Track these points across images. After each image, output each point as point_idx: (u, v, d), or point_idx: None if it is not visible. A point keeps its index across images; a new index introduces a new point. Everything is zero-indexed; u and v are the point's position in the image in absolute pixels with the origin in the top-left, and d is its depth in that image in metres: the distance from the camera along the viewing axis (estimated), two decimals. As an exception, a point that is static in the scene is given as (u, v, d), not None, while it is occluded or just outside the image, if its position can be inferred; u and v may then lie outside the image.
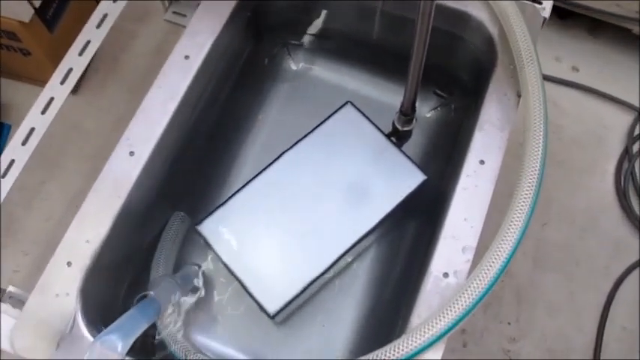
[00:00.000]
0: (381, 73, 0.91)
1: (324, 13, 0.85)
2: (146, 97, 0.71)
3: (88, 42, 0.82)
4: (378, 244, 0.81)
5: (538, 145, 0.61)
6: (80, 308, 0.61)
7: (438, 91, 0.89)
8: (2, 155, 0.72)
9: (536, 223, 1.16)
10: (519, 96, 0.70)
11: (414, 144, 0.85)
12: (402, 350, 0.55)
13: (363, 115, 0.82)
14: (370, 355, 0.56)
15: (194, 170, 0.83)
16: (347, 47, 0.90)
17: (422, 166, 0.79)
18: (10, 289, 0.64)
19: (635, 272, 1.13)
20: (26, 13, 1.05)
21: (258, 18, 0.86)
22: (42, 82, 0.79)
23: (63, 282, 0.62)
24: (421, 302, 0.61)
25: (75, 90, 1.21)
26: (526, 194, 0.59)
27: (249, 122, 0.88)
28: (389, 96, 0.89)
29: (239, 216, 0.77)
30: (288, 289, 0.73)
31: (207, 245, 0.76)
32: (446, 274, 0.62)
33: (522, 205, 0.59)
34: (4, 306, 0.62)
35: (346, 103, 0.83)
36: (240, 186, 0.79)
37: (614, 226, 1.17)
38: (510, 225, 0.58)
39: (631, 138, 1.24)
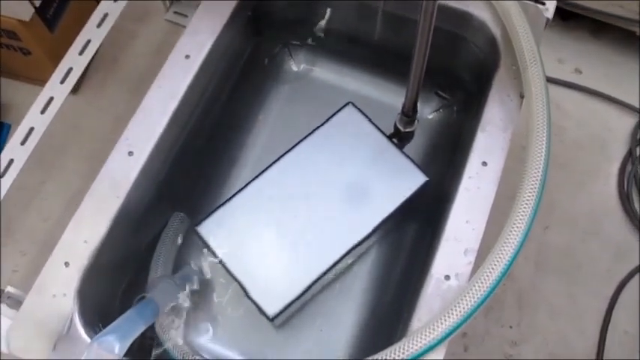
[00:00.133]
0: (382, 73, 0.90)
1: (328, 11, 0.84)
2: (146, 96, 0.71)
3: (89, 41, 0.82)
4: (379, 246, 0.81)
5: (541, 147, 0.61)
6: (77, 309, 0.61)
7: (440, 92, 0.88)
8: (1, 155, 0.72)
9: (539, 226, 1.16)
10: (522, 97, 0.69)
11: (415, 145, 0.85)
12: (403, 353, 0.55)
13: (365, 115, 0.82)
14: (370, 358, 0.55)
15: (194, 171, 0.82)
16: (348, 48, 0.90)
17: (423, 168, 0.78)
18: (9, 289, 0.64)
19: (638, 276, 1.12)
20: (26, 12, 1.04)
21: (259, 18, 0.85)
22: (42, 81, 0.78)
23: (60, 282, 0.62)
24: (422, 305, 0.60)
25: (75, 90, 1.21)
26: (529, 197, 0.59)
27: (250, 122, 0.88)
28: (390, 97, 0.88)
29: (239, 217, 0.77)
30: (287, 292, 0.73)
31: (207, 246, 0.75)
32: (447, 277, 0.61)
33: (525, 208, 0.58)
34: (2, 307, 0.62)
35: (347, 103, 0.83)
36: (240, 187, 0.78)
37: (616, 230, 1.16)
38: (513, 228, 0.57)
39: (634, 141, 1.23)
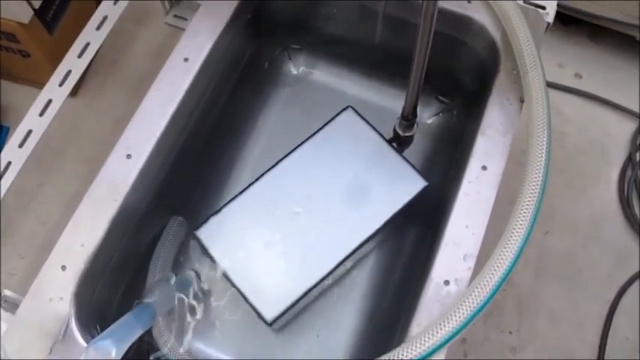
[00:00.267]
0: (382, 77, 0.90)
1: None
2: (144, 99, 0.70)
3: (88, 44, 0.82)
4: (378, 251, 0.80)
5: (541, 151, 0.60)
6: (74, 313, 0.61)
7: (440, 97, 0.88)
8: (-1, 157, 0.72)
9: (539, 231, 1.15)
10: (522, 101, 0.69)
11: (415, 149, 0.84)
12: (401, 359, 0.54)
13: (364, 119, 0.81)
14: (369, 364, 0.55)
15: (192, 174, 0.82)
16: (348, 51, 0.89)
17: (423, 172, 0.78)
18: (6, 292, 0.64)
19: (639, 281, 1.12)
20: (25, 14, 1.04)
21: (259, 20, 0.85)
22: (41, 84, 0.78)
23: (57, 286, 0.61)
24: (421, 310, 0.60)
25: (74, 92, 1.21)
26: (529, 201, 0.58)
27: (249, 126, 0.88)
28: (390, 101, 0.88)
29: (238, 221, 0.77)
30: (286, 296, 0.72)
31: (205, 251, 0.75)
32: (447, 282, 0.61)
33: (525, 213, 0.58)
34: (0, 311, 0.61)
35: (347, 107, 0.82)
36: (239, 191, 0.78)
37: (617, 235, 1.16)
38: (513, 233, 0.57)
39: (634, 145, 1.23)
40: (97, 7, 0.83)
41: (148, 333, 0.66)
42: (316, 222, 0.76)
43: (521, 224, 0.57)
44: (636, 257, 1.14)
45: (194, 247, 0.77)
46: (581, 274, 1.13)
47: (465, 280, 0.61)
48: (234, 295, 0.75)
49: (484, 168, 0.66)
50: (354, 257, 0.77)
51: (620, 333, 1.08)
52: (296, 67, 0.92)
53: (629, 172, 1.21)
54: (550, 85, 1.25)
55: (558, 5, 0.76)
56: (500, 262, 0.56)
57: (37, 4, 1.06)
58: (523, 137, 0.64)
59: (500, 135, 0.67)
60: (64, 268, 0.62)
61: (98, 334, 0.60)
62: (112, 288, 0.71)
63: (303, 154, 0.80)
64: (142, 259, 0.73)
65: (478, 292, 0.55)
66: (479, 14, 0.75)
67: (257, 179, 0.78)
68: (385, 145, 0.80)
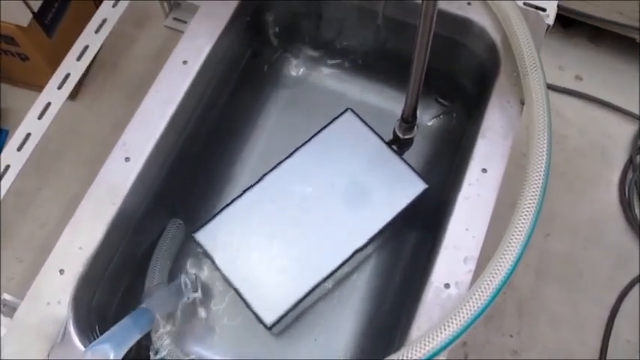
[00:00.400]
0: (382, 79, 0.90)
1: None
2: (143, 102, 0.70)
3: (87, 47, 0.82)
4: (378, 254, 0.80)
5: (542, 154, 0.60)
6: (72, 316, 0.60)
7: (440, 99, 0.88)
8: (-2, 160, 0.72)
9: (539, 234, 1.15)
10: (523, 104, 0.69)
11: (415, 152, 0.84)
12: (402, 363, 0.54)
13: (364, 122, 0.81)
14: (369, 368, 0.55)
15: (191, 177, 0.82)
16: (347, 53, 0.89)
17: (423, 175, 0.77)
18: (5, 296, 0.63)
19: None
20: (24, 17, 1.04)
21: (258, 23, 0.85)
22: (40, 87, 0.78)
23: (55, 290, 0.61)
24: (421, 314, 0.59)
25: (73, 95, 1.21)
26: (529, 204, 0.58)
27: (248, 128, 0.88)
28: (390, 103, 0.88)
29: (237, 224, 0.76)
30: (285, 299, 0.72)
31: (204, 254, 0.75)
32: (447, 285, 0.60)
33: (525, 216, 0.57)
34: None
35: (346, 110, 0.82)
36: (239, 194, 0.78)
37: (618, 238, 1.16)
38: (513, 235, 0.57)
39: (635, 148, 1.23)
40: (96, 9, 0.83)
41: (147, 337, 0.66)
42: (316, 225, 0.76)
43: (521, 227, 0.57)
44: (637, 260, 1.13)
45: (193, 250, 0.77)
46: (582, 276, 1.12)
47: (465, 283, 0.60)
48: (234, 299, 0.74)
49: (484, 170, 0.66)
50: (354, 260, 0.76)
51: (621, 336, 1.08)
52: (295, 70, 0.91)
53: (629, 175, 1.21)
54: (550, 87, 1.25)
55: (558, 7, 0.75)
56: (500, 265, 0.56)
57: (36, 7, 1.06)
58: (523, 140, 0.64)
59: (501, 137, 0.67)
60: (62, 271, 0.61)
61: (96, 337, 0.60)
62: (111, 291, 0.71)
63: (302, 157, 0.79)
64: (140, 262, 0.73)
65: (479, 295, 0.55)
66: (479, 16, 0.75)
67: (256, 182, 0.78)
68: (385, 147, 0.80)
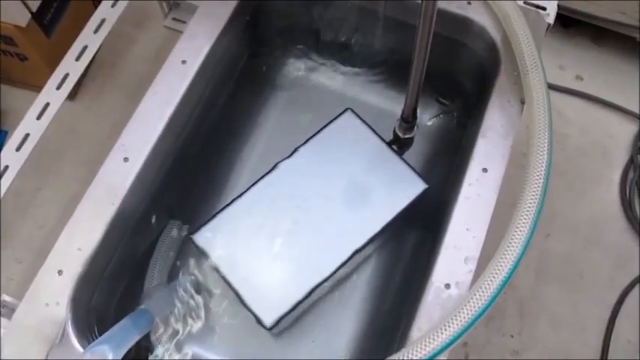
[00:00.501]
0: (382, 79, 0.90)
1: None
2: (141, 102, 0.70)
3: (85, 47, 0.81)
4: (378, 254, 0.80)
5: (542, 153, 0.60)
6: (70, 318, 0.60)
7: (440, 98, 0.88)
8: (-3, 161, 0.71)
9: (540, 234, 1.15)
10: (523, 103, 0.68)
11: (415, 152, 0.84)
12: (402, 364, 0.53)
13: (364, 122, 0.81)
14: (369, 369, 0.54)
15: (190, 177, 0.81)
16: (347, 52, 0.89)
17: (423, 175, 0.77)
18: (4, 297, 0.63)
19: (640, 284, 1.11)
20: (23, 17, 1.04)
21: (257, 22, 0.85)
22: (39, 87, 0.78)
23: (53, 291, 0.61)
24: (422, 314, 0.59)
25: (72, 96, 1.21)
26: (530, 204, 0.58)
27: (248, 128, 0.87)
28: (390, 103, 0.88)
29: (236, 225, 0.76)
30: (285, 300, 0.72)
31: (203, 255, 0.75)
32: (447, 285, 0.60)
33: (526, 216, 0.57)
34: (-2, 316, 0.61)
35: (346, 109, 0.82)
36: (238, 194, 0.77)
37: (619, 237, 1.16)
38: (514, 235, 0.56)
39: (636, 147, 1.23)
40: (94, 10, 0.83)
41: (146, 337, 0.66)
42: (315, 225, 0.76)
43: (522, 227, 0.57)
44: (638, 260, 1.13)
45: (192, 251, 0.77)
46: (583, 276, 1.12)
47: (465, 283, 0.60)
48: (233, 300, 0.74)
49: (485, 170, 0.65)
50: (354, 261, 0.76)
51: (622, 336, 1.07)
52: (295, 70, 0.91)
53: (630, 174, 1.21)
54: (551, 86, 1.25)
55: (559, 7, 0.75)
56: (501, 266, 0.55)
57: (34, 8, 1.06)
58: (524, 139, 0.64)
59: (501, 137, 0.67)
60: (60, 272, 0.61)
61: (95, 338, 0.59)
62: (110, 292, 0.70)
63: (302, 157, 0.79)
64: (139, 263, 0.73)
65: (479, 295, 0.55)
66: (479, 15, 0.74)
67: (256, 182, 0.78)
68: (385, 147, 0.79)
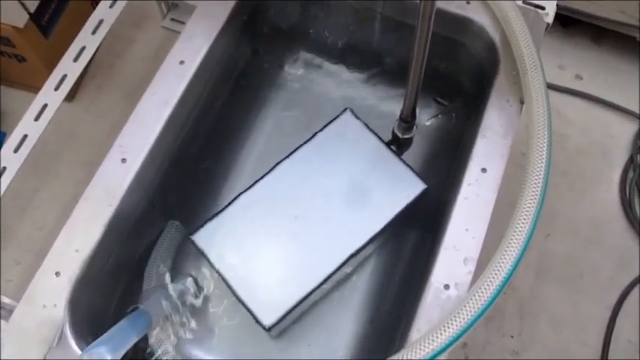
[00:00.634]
0: (380, 79, 0.89)
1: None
2: (139, 103, 0.70)
3: (84, 48, 0.81)
4: (378, 255, 0.80)
5: (542, 153, 0.59)
6: (68, 320, 0.60)
7: (439, 98, 0.87)
8: (-6, 163, 0.71)
9: (540, 234, 1.15)
10: (522, 103, 0.68)
11: (414, 152, 0.84)
12: (401, 365, 0.53)
13: (362, 122, 0.81)
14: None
15: (189, 178, 0.81)
16: (346, 53, 0.89)
17: (422, 175, 0.77)
18: (3, 299, 0.63)
19: (641, 284, 1.11)
20: (21, 18, 1.04)
21: (256, 22, 0.85)
22: (38, 88, 0.78)
23: (51, 292, 0.60)
24: (421, 315, 0.59)
25: (71, 96, 1.21)
26: (530, 204, 0.58)
27: (246, 129, 0.87)
28: (389, 103, 0.87)
29: (235, 226, 0.76)
30: (284, 301, 0.71)
31: (202, 255, 0.74)
32: (447, 286, 0.60)
33: (526, 216, 0.57)
34: (-3, 318, 0.61)
35: (345, 109, 0.82)
36: (237, 195, 0.77)
37: (619, 237, 1.15)
38: (513, 236, 0.56)
39: (636, 147, 1.22)
40: (93, 10, 0.82)
41: (144, 339, 0.65)
42: (315, 226, 0.75)
43: (522, 227, 0.56)
44: (638, 260, 1.13)
45: (191, 251, 0.76)
46: (583, 277, 1.12)
47: (465, 284, 0.60)
48: (232, 301, 0.74)
49: (484, 170, 0.65)
50: (354, 261, 0.76)
51: (622, 336, 1.07)
52: (294, 70, 0.91)
53: (630, 174, 1.20)
54: (550, 86, 1.25)
55: (558, 6, 0.75)
56: (500, 266, 0.55)
57: (32, 8, 1.05)
58: (523, 139, 0.64)
59: (500, 137, 0.67)
60: (58, 274, 0.61)
61: (93, 340, 0.59)
62: (108, 294, 0.70)
63: (301, 157, 0.79)
64: (138, 265, 0.73)
65: (479, 296, 0.54)
66: (478, 15, 0.74)
67: (255, 183, 0.77)
68: (384, 147, 0.79)
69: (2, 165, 0.72)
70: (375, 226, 0.75)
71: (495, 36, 0.73)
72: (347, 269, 0.78)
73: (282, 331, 0.75)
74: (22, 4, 1.03)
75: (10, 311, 0.61)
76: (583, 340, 1.07)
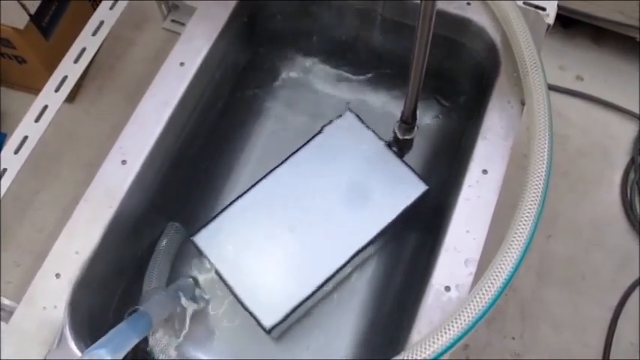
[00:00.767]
0: (381, 80, 0.89)
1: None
2: (139, 104, 0.70)
3: (84, 49, 0.81)
4: (378, 256, 0.79)
5: (543, 154, 0.59)
6: (68, 321, 0.60)
7: (440, 99, 0.87)
8: (-5, 164, 0.71)
9: (541, 236, 1.14)
10: (523, 104, 0.68)
11: (415, 153, 0.84)
12: (402, 367, 0.53)
13: (363, 123, 0.81)
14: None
15: (189, 179, 0.81)
16: (346, 53, 0.89)
17: (423, 176, 0.77)
18: (3, 301, 0.63)
19: (642, 286, 1.11)
20: (21, 19, 1.04)
21: (256, 24, 0.85)
22: (38, 90, 0.78)
23: (51, 294, 0.60)
24: (422, 317, 0.59)
25: (71, 98, 1.21)
26: (531, 205, 0.57)
27: (247, 130, 0.87)
28: (390, 104, 0.87)
29: (236, 227, 0.76)
30: (285, 303, 0.71)
31: (203, 257, 0.74)
32: (448, 288, 0.60)
33: (527, 217, 0.57)
34: (-4, 320, 0.61)
35: (346, 110, 0.81)
36: (237, 196, 0.77)
37: (620, 239, 1.15)
38: (514, 237, 0.56)
39: (637, 148, 1.22)
40: (93, 12, 0.82)
41: (145, 340, 0.65)
42: (315, 227, 0.75)
43: (523, 229, 0.56)
44: (639, 261, 1.13)
45: (191, 253, 0.76)
46: (584, 278, 1.12)
47: (466, 285, 0.60)
48: (233, 302, 0.74)
49: (485, 172, 0.65)
50: (354, 263, 0.75)
51: (624, 338, 1.07)
52: (294, 71, 0.91)
53: (631, 175, 1.20)
54: (551, 87, 1.25)
55: (559, 7, 0.75)
56: (502, 268, 0.55)
57: (32, 10, 1.05)
58: (524, 140, 0.64)
59: (501, 138, 0.67)
60: (58, 275, 0.61)
61: (93, 342, 0.59)
62: (108, 295, 0.70)
63: (301, 158, 0.79)
64: (138, 266, 0.72)
65: (480, 298, 0.54)
66: (478, 16, 0.74)
67: (255, 184, 0.77)
68: (385, 148, 0.79)
69: (2, 166, 0.72)
70: (376, 227, 0.74)
71: (496, 37, 0.73)
72: (348, 270, 0.77)
73: (283, 332, 0.75)
74: (23, 6, 1.03)
75: (10, 313, 0.61)
76: (584, 342, 1.07)
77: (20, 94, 1.24)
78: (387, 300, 0.77)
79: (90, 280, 0.63)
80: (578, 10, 1.22)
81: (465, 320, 0.54)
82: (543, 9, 0.74)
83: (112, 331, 0.59)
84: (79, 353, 0.58)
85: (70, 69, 0.80)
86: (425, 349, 0.53)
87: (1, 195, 0.70)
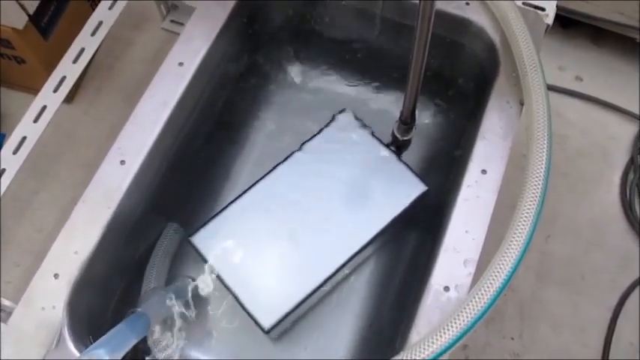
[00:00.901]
0: (380, 80, 0.89)
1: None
2: (138, 105, 0.69)
3: (83, 49, 0.81)
4: (377, 257, 0.79)
5: (542, 155, 0.59)
6: (67, 322, 0.60)
7: (439, 100, 0.87)
8: (-6, 164, 0.71)
9: (540, 236, 1.14)
10: (522, 104, 0.68)
11: (414, 153, 0.84)
12: (401, 368, 0.53)
13: (362, 123, 0.81)
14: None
15: (188, 180, 0.81)
16: (345, 54, 0.89)
17: (422, 176, 0.77)
18: (2, 301, 0.63)
19: (641, 286, 1.11)
20: (20, 19, 1.04)
21: (255, 24, 0.84)
22: (37, 90, 0.78)
23: (49, 295, 0.60)
24: (421, 317, 0.59)
25: (70, 98, 1.21)
26: (530, 205, 0.57)
27: (246, 130, 0.87)
28: (388, 104, 0.87)
29: (234, 227, 0.75)
30: (283, 303, 0.71)
31: (201, 257, 0.74)
32: (447, 288, 0.60)
33: (526, 217, 0.57)
34: (-5, 320, 0.61)
35: (344, 110, 0.82)
36: (236, 196, 0.77)
37: (619, 239, 1.15)
38: (513, 237, 0.56)
39: (636, 148, 1.22)
40: (92, 12, 0.82)
41: (143, 341, 0.65)
42: (314, 227, 0.75)
43: (522, 229, 0.56)
44: (638, 261, 1.13)
45: (190, 254, 0.76)
46: (583, 278, 1.12)
47: (465, 286, 0.60)
48: (231, 303, 0.73)
49: (484, 172, 0.65)
50: (353, 263, 0.75)
51: (623, 338, 1.07)
52: (293, 71, 0.91)
53: (631, 175, 1.20)
54: (550, 87, 1.25)
55: (558, 7, 0.75)
56: (501, 268, 0.55)
57: (31, 10, 1.05)
58: (523, 141, 0.64)
59: (500, 138, 0.67)
60: (56, 276, 0.61)
61: (92, 342, 0.59)
62: (107, 296, 0.70)
63: (300, 159, 0.79)
64: (137, 267, 0.72)
65: (479, 298, 0.54)
66: (477, 16, 0.74)
67: (254, 184, 0.77)
68: (384, 149, 0.79)
69: (1, 166, 0.72)
70: (375, 227, 0.74)
71: (495, 37, 0.73)
72: (346, 271, 0.77)
73: (282, 333, 0.75)
74: (22, 6, 1.03)
75: (9, 313, 0.61)
76: (584, 342, 1.07)
77: (19, 95, 1.24)
78: (386, 300, 0.77)
79: (88, 281, 0.63)
80: (577, 11, 1.22)
81: (464, 320, 0.53)
82: (542, 9, 0.74)
83: (110, 332, 0.59)
84: (77, 353, 0.58)
85: (68, 69, 0.79)
86: (424, 349, 0.53)
87: (1, 195, 0.70)
